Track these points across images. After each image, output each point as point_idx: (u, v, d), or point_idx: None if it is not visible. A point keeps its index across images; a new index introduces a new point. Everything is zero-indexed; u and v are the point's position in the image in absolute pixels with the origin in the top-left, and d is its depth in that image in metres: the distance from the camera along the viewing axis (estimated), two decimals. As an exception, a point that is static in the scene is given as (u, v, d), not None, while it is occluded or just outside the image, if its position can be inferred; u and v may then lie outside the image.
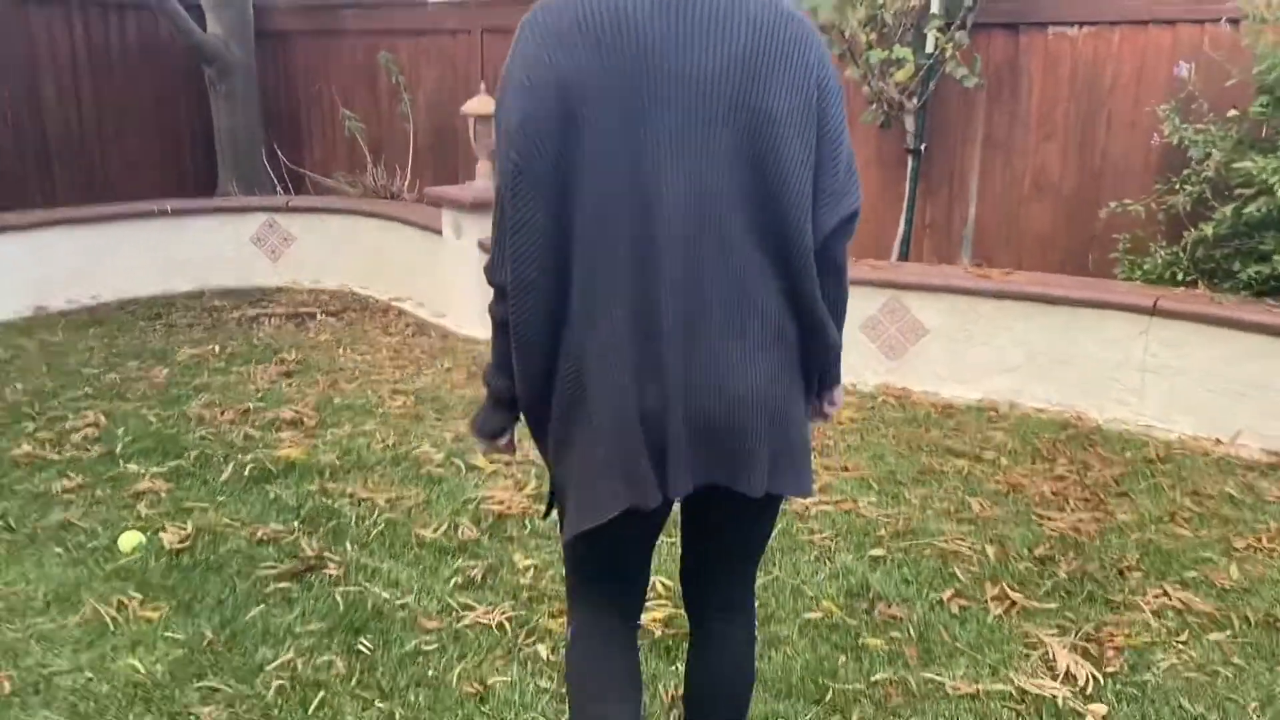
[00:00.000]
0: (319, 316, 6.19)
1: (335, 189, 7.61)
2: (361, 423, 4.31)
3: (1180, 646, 2.71)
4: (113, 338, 5.65)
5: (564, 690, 2.20)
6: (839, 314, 1.74)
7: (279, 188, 7.91)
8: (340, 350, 5.44)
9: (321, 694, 2.52)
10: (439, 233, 6.02)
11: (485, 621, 2.81)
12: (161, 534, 3.29)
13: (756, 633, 1.96)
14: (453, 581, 3.03)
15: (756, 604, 1.97)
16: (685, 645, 2.09)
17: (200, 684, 2.55)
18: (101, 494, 3.60)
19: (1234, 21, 4.51)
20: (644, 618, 2.69)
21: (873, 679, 2.58)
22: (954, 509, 3.51)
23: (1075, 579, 3.05)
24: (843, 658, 2.66)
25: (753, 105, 1.52)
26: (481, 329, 5.59)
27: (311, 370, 5.06)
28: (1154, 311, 4.29)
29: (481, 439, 1.84)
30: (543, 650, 2.68)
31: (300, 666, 2.62)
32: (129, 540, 3.24)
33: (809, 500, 3.53)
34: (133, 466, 3.82)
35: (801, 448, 1.68)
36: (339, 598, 2.94)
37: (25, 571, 3.07)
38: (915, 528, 3.35)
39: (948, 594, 2.95)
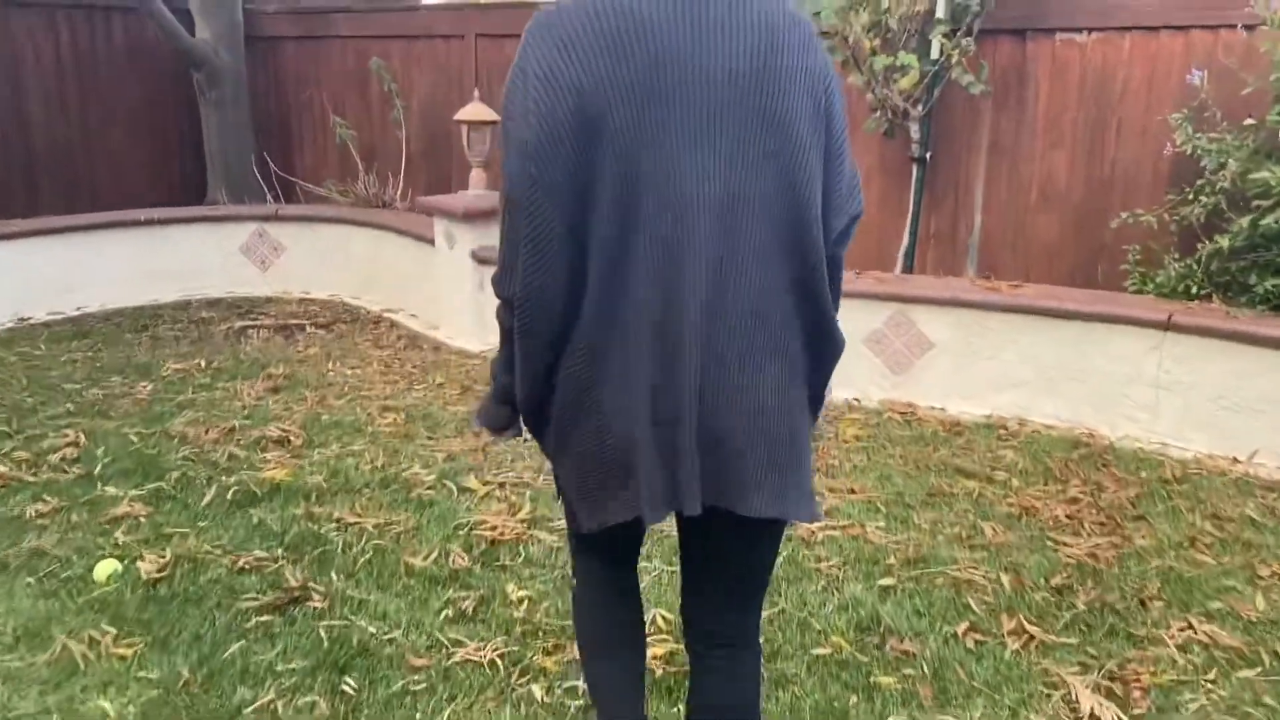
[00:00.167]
0: (308, 329, 6.04)
1: (326, 197, 7.47)
2: (350, 442, 4.17)
3: (1209, 685, 2.57)
4: (97, 351, 5.51)
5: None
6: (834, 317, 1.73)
7: (269, 196, 7.76)
8: (329, 364, 5.29)
9: (302, 740, 2.38)
10: (431, 242, 5.87)
11: (476, 659, 2.67)
12: (139, 562, 3.14)
13: (763, 669, 1.86)
14: (443, 614, 2.89)
15: (762, 639, 1.86)
16: (687, 684, 1.97)
17: (174, 729, 2.41)
18: (78, 519, 3.46)
19: (1249, 27, 4.39)
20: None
21: (886, 722, 2.44)
22: (965, 534, 3.37)
23: (1095, 610, 2.91)
24: (854, 698, 2.52)
25: (768, 107, 1.51)
26: (474, 342, 5.45)
27: (299, 386, 4.91)
28: (1168, 326, 4.16)
29: (487, 430, 1.85)
30: (537, 691, 2.54)
31: (281, 709, 2.48)
32: (104, 569, 3.09)
33: (815, 525, 3.39)
34: (111, 489, 3.68)
35: (807, 471, 1.67)
36: (323, 632, 2.79)
37: (-6, 604, 2.93)
38: (926, 555, 3.22)
39: (962, 627, 2.81)
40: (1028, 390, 4.50)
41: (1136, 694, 2.52)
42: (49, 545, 3.26)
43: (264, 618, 2.86)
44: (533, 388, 1.63)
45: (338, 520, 3.45)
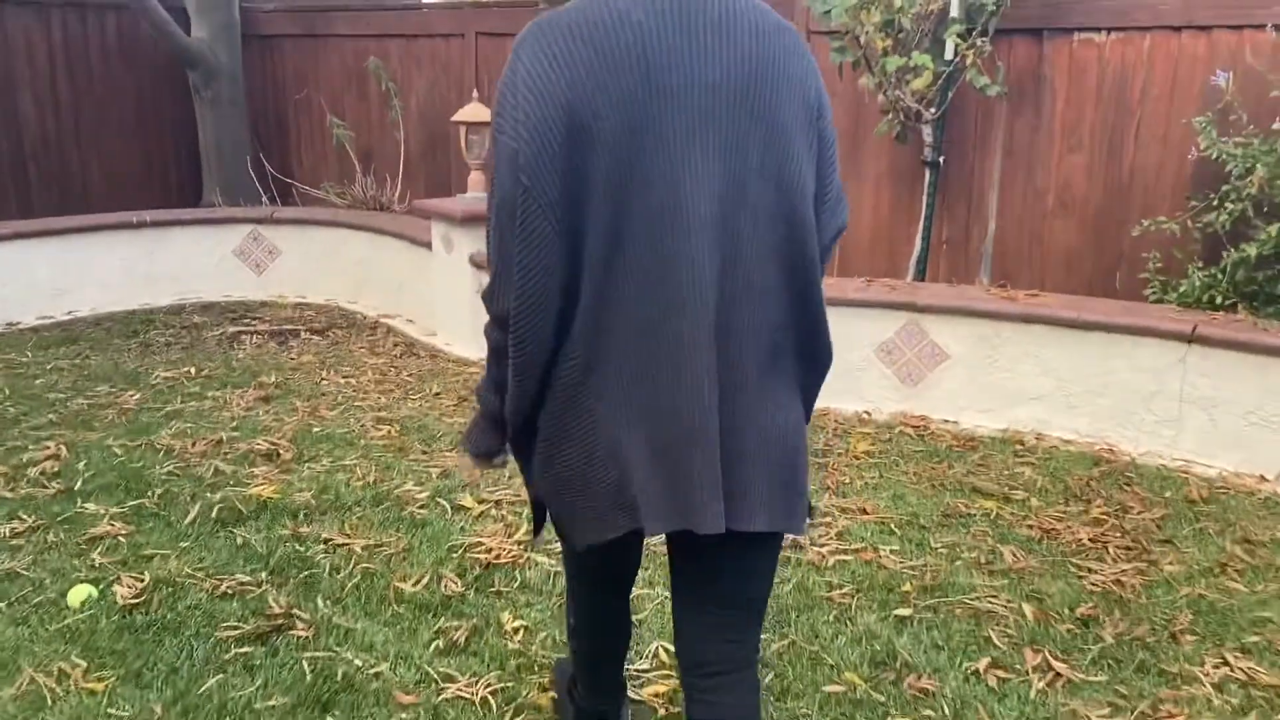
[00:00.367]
0: (303, 334, 5.89)
1: (323, 200, 7.33)
2: (341, 456, 4.01)
3: (1248, 729, 2.41)
4: (85, 358, 5.35)
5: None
6: None
7: (265, 198, 7.61)
8: (323, 372, 5.14)
9: (280, 787, 2.22)
10: (429, 246, 5.72)
11: (467, 695, 2.51)
12: (116, 587, 2.99)
13: (761, 696, 1.85)
14: (433, 645, 2.73)
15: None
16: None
17: (143, 774, 2.25)
18: (54, 538, 3.30)
19: (1279, 28, 4.23)
20: (645, 692, 2.45)
21: (905, 768, 2.28)
22: (984, 559, 3.21)
23: (1123, 644, 2.74)
24: (870, 741, 2.37)
25: (763, 115, 1.50)
26: (473, 349, 5.30)
27: (291, 395, 4.76)
28: (1192, 338, 4.00)
29: (474, 458, 1.79)
30: (532, 732, 2.39)
31: (258, 751, 2.33)
32: (78, 595, 2.94)
33: (827, 550, 3.23)
34: (91, 506, 3.52)
35: (806, 484, 1.66)
36: (306, 665, 2.63)
37: (-40, 632, 2.77)
38: (943, 582, 3.05)
39: (983, 663, 2.64)
40: (1045, 404, 4.34)
41: (1172, 739, 2.36)
42: (22, 567, 3.11)
43: (244, 649, 2.70)
44: (524, 404, 1.59)
45: (326, 541, 3.30)
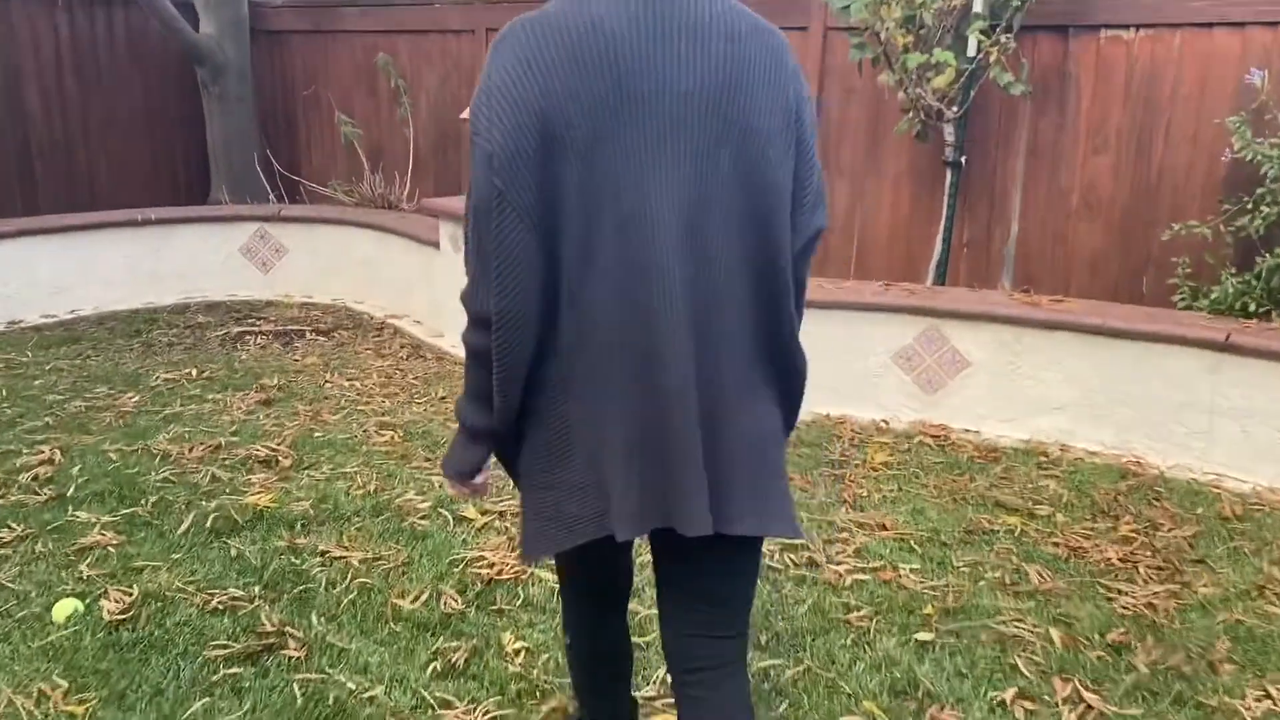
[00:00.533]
0: (308, 335, 5.78)
1: (331, 198, 7.22)
2: (342, 463, 3.89)
3: (1294, 769, 2.27)
4: (85, 358, 5.26)
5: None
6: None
7: (273, 196, 7.51)
8: (327, 375, 5.03)
9: (264, 822, 2.10)
10: (436, 246, 5.60)
11: (466, 723, 2.39)
12: (102, 601, 2.87)
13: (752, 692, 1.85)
14: (430, 667, 2.60)
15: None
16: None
17: (121, 806, 2.14)
18: (43, 548, 3.19)
19: (1317, 24, 4.07)
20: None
21: (927, 809, 2.15)
22: (1009, 579, 3.06)
23: (1158, 674, 2.60)
24: (890, 778, 2.23)
25: (736, 121, 1.49)
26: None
27: (293, 399, 4.64)
28: (1225, 346, 3.84)
29: (453, 478, 1.74)
30: (532, 764, 2.26)
31: (243, 782, 2.21)
32: (63, 610, 2.82)
33: (843, 568, 3.09)
34: (82, 514, 3.41)
35: (785, 485, 1.66)
36: (297, 688, 2.51)
37: (-61, 649, 2.66)
38: (966, 604, 2.91)
39: (1010, 693, 2.50)
40: (1070, 414, 4.19)
41: (1213, 780, 2.22)
42: (8, 579, 3.00)
43: (233, 670, 2.58)
44: (509, 409, 1.58)
45: (323, 554, 3.18)
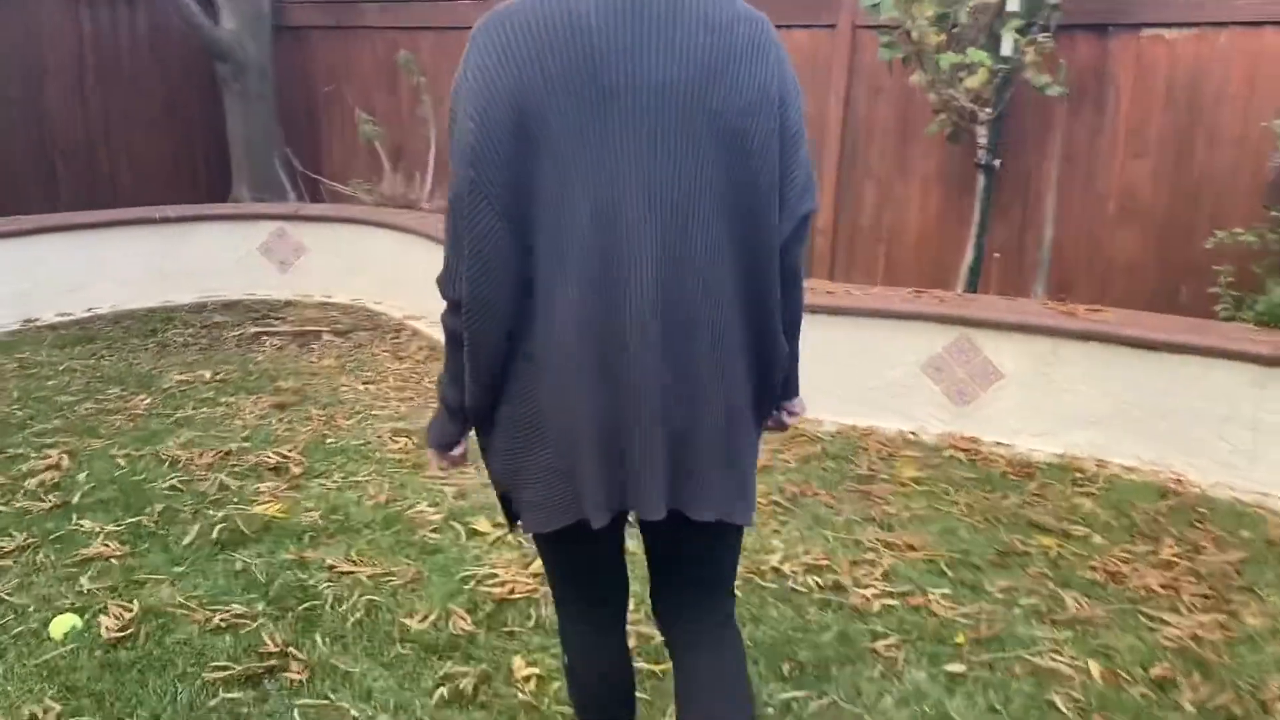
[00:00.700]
0: (325, 336, 5.70)
1: (351, 196, 7.13)
2: (354, 471, 3.79)
3: (1354, 822, 2.12)
4: (99, 358, 5.19)
5: None
6: (797, 324, 1.70)
7: (293, 194, 7.44)
8: (343, 378, 4.94)
9: None
10: (455, 248, 5.49)
11: (472, 755, 2.28)
12: (101, 617, 2.79)
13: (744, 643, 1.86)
14: (437, 694, 2.49)
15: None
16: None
17: (109, 841, 2.04)
18: (44, 559, 3.11)
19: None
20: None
21: None
22: (1045, 606, 2.92)
23: (1205, 713, 2.45)
24: (919, 825, 2.10)
25: (716, 110, 1.48)
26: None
27: (308, 403, 4.55)
28: (1272, 361, 3.68)
29: (434, 449, 1.81)
30: (540, 802, 2.14)
31: (238, 816, 2.10)
32: (61, 625, 2.74)
33: (870, 591, 2.96)
34: (86, 523, 3.33)
35: (751, 475, 1.68)
36: (298, 716, 2.41)
37: (-68, 666, 2.58)
38: (1001, 633, 2.77)
39: (1047, 733, 2.37)
40: (1106, 428, 4.03)
41: (1267, 834, 2.07)
42: (7, 592, 2.92)
43: (232, 694, 2.48)
44: (482, 392, 1.60)
45: (330, 568, 3.08)
